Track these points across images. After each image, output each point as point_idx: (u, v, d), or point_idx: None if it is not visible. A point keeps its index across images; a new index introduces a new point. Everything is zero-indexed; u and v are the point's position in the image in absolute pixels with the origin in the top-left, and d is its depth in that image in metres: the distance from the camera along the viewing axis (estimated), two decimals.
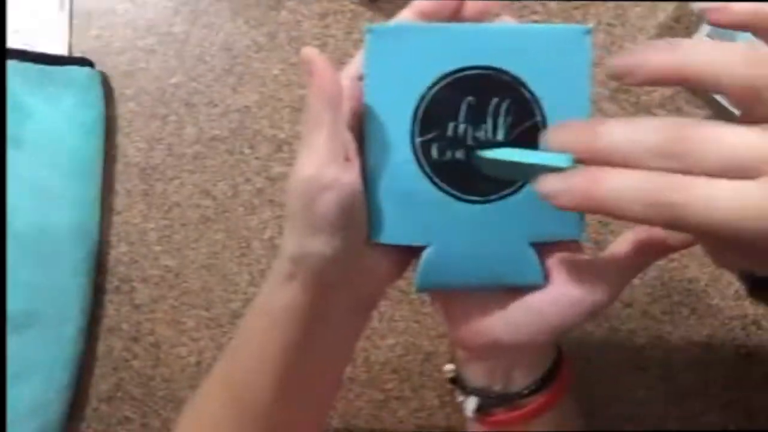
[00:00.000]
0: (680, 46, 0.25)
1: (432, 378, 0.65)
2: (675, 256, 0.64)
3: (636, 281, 0.64)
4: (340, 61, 0.64)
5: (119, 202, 0.64)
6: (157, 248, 0.64)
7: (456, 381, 0.40)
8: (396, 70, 0.32)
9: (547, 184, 0.26)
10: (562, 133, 0.27)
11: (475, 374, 0.38)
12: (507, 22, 0.34)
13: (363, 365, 0.64)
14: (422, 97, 0.32)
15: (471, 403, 0.38)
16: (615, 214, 0.24)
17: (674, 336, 0.65)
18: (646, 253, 0.33)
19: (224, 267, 0.64)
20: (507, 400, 0.37)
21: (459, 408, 0.40)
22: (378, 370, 0.64)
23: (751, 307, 0.64)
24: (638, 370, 0.65)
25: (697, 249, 0.63)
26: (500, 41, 0.32)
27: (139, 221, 0.64)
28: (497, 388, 0.38)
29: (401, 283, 0.64)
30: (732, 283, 0.64)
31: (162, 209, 0.64)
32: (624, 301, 0.64)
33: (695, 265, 0.64)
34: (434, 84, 0.32)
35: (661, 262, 0.64)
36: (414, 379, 0.65)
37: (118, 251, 0.64)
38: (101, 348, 0.64)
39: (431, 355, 0.64)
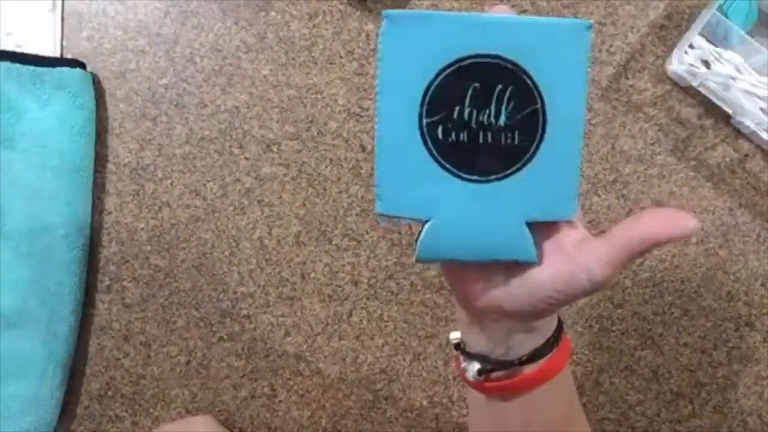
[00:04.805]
0: None
1: (421, 378, 0.64)
2: (667, 256, 0.64)
3: (627, 282, 0.64)
4: (329, 61, 0.64)
5: (110, 202, 0.64)
6: (148, 248, 0.64)
7: (460, 347, 0.42)
8: (408, 54, 0.33)
9: None
10: None
11: (478, 339, 0.40)
12: (503, 11, 0.36)
13: (352, 365, 0.64)
14: (431, 82, 0.33)
15: (473, 368, 0.40)
16: None
17: (666, 337, 0.64)
18: (636, 250, 0.34)
19: (214, 266, 0.64)
20: (506, 365, 0.39)
21: (459, 373, 0.41)
22: (367, 370, 0.64)
23: (744, 308, 0.64)
24: (629, 372, 0.64)
25: (690, 249, 0.63)
26: (507, 32, 0.33)
27: (129, 221, 0.64)
28: (498, 353, 0.39)
29: (391, 283, 0.64)
30: (724, 284, 0.64)
31: (152, 209, 0.64)
32: (615, 302, 0.64)
33: (687, 266, 0.64)
34: (443, 69, 0.33)
35: (652, 263, 0.64)
36: (403, 380, 0.65)
37: (109, 251, 0.64)
38: (92, 347, 0.64)
39: (420, 356, 0.64)
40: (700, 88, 0.61)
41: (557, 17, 0.35)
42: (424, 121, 0.34)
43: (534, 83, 0.34)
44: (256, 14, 0.64)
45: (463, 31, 0.33)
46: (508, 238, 0.35)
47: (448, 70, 0.33)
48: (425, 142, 0.34)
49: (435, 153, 0.34)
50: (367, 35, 0.64)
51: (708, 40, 0.62)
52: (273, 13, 0.64)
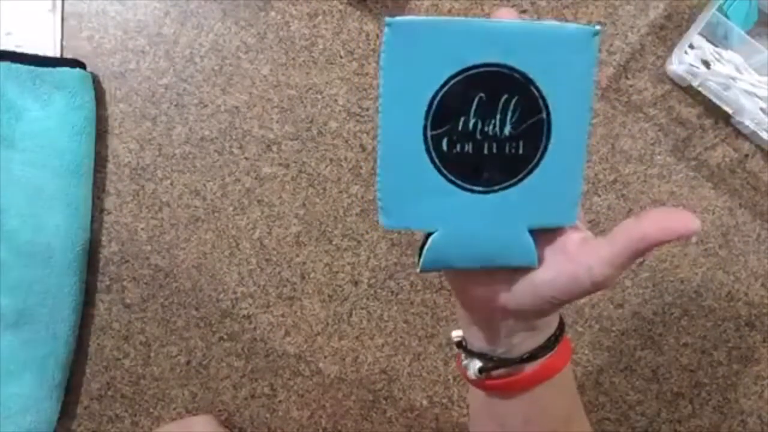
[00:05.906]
0: None
1: (421, 378, 0.64)
2: (667, 256, 0.64)
3: (628, 282, 0.64)
4: (328, 61, 0.64)
5: (110, 202, 0.64)
6: (148, 248, 0.64)
7: (461, 345, 0.42)
8: (412, 63, 0.32)
9: None
10: None
11: (479, 338, 0.40)
12: (508, 16, 0.35)
13: (352, 365, 0.64)
14: (436, 92, 0.32)
15: (474, 366, 0.40)
16: None
17: (666, 337, 0.64)
18: (637, 250, 0.34)
19: (214, 266, 0.64)
20: (508, 363, 0.39)
21: (460, 371, 0.41)
22: (367, 370, 0.64)
23: (744, 308, 0.64)
24: (629, 372, 0.64)
25: (690, 249, 0.63)
26: (512, 39, 0.32)
27: (129, 221, 0.64)
28: (499, 351, 0.39)
29: (391, 283, 0.64)
30: (724, 284, 0.64)
31: (152, 209, 0.64)
32: (615, 302, 0.64)
33: (687, 266, 0.64)
34: (448, 79, 0.32)
35: (652, 263, 0.64)
36: (403, 380, 0.65)
37: (110, 251, 0.64)
38: (93, 347, 0.64)
39: (420, 356, 0.64)
40: (700, 88, 0.61)
41: (563, 22, 0.33)
42: (429, 133, 0.33)
43: (540, 92, 0.33)
44: (256, 14, 0.64)
45: (468, 39, 0.32)
46: (511, 245, 0.35)
47: (453, 80, 0.32)
48: (429, 154, 0.33)
49: (439, 165, 0.33)
50: (367, 35, 0.64)
51: (708, 40, 0.62)
52: (273, 13, 0.64)
